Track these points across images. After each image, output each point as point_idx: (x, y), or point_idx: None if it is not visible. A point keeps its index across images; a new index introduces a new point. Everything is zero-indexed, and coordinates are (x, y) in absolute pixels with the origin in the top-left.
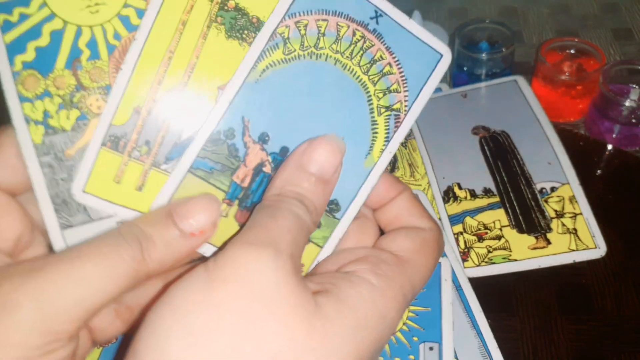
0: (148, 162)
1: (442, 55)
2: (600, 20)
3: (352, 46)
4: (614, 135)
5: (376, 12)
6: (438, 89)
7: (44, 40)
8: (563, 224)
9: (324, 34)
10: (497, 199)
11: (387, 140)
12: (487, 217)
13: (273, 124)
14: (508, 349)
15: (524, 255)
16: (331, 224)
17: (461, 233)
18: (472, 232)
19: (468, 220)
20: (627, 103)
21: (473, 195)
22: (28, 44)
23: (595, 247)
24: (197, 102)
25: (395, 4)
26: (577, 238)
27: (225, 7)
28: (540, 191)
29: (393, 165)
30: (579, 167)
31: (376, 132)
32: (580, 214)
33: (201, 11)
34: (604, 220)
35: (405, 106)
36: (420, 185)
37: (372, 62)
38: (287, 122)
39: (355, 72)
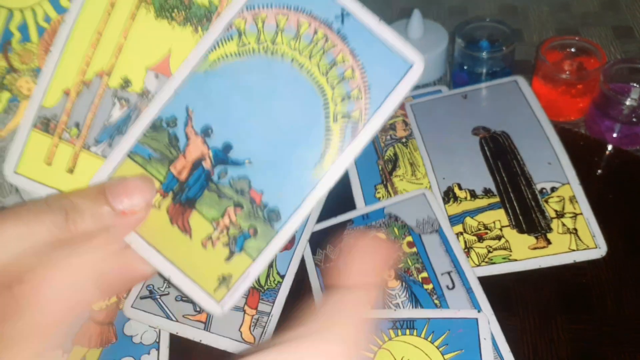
0: (78, 144)
1: (412, 65)
2: (600, 19)
3: (312, 45)
4: (614, 135)
5: (342, 11)
6: (438, 91)
7: None
8: (563, 224)
9: (282, 30)
10: (497, 199)
11: (341, 150)
12: (487, 217)
13: (218, 119)
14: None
15: (524, 255)
16: (268, 235)
17: (461, 233)
18: (472, 232)
19: (468, 220)
20: (628, 102)
21: (473, 195)
22: None
23: (596, 247)
24: (125, 84)
25: (395, 3)
26: (577, 238)
27: None
28: (541, 191)
29: (394, 164)
30: (579, 166)
31: (329, 140)
32: (581, 214)
33: None
34: (604, 220)
35: (365, 115)
36: (421, 184)
37: (332, 64)
38: (233, 118)
39: (313, 73)
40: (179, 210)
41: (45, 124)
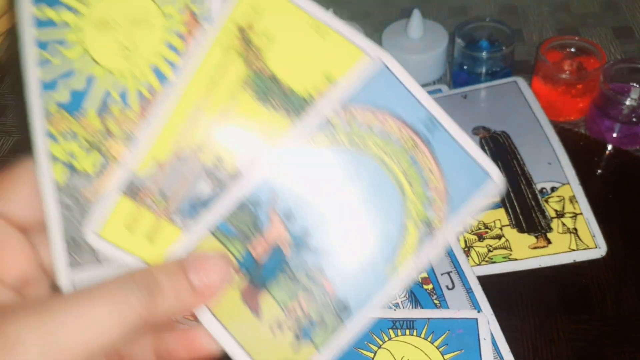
0: (162, 214)
1: (491, 177)
2: (600, 19)
3: (399, 149)
4: (614, 134)
5: (432, 120)
6: (438, 90)
7: (79, 83)
8: (563, 224)
9: (372, 129)
10: (497, 198)
11: (416, 251)
12: (487, 216)
13: (301, 205)
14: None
15: (525, 254)
16: (335, 327)
17: (461, 232)
18: (472, 231)
19: None
20: (628, 102)
21: None
22: (63, 84)
23: (596, 247)
24: (218, 162)
25: (395, 3)
26: (577, 238)
27: (260, 73)
28: (541, 191)
29: None
30: (579, 166)
31: (405, 240)
32: (581, 213)
33: (235, 74)
34: (604, 220)
35: (443, 221)
36: None
37: (415, 166)
38: (316, 207)
39: (396, 172)
40: (252, 290)
41: (133, 191)
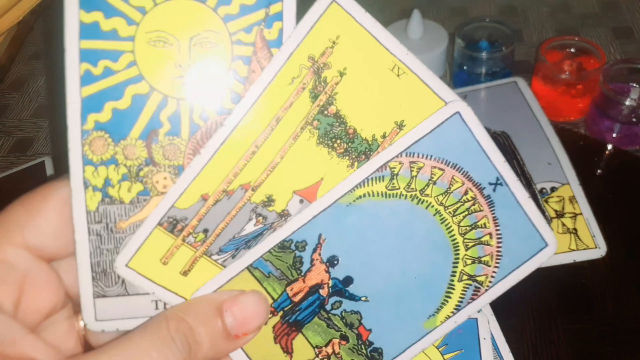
0: (201, 249)
1: (547, 245)
2: (600, 19)
3: (459, 204)
4: (614, 135)
5: (497, 179)
6: None
7: (124, 103)
8: (563, 224)
9: (434, 183)
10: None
11: (458, 309)
12: None
13: (347, 252)
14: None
15: None
16: None
17: None
18: None
19: None
20: (628, 102)
21: None
22: (106, 103)
23: (596, 247)
24: (268, 202)
25: (395, 3)
26: (577, 238)
27: (325, 112)
28: (541, 191)
29: None
30: (579, 166)
31: (449, 297)
32: (581, 214)
33: (300, 110)
34: (604, 220)
35: (490, 282)
36: None
37: (473, 226)
38: (362, 254)
39: (452, 229)
40: (286, 330)
41: (173, 224)
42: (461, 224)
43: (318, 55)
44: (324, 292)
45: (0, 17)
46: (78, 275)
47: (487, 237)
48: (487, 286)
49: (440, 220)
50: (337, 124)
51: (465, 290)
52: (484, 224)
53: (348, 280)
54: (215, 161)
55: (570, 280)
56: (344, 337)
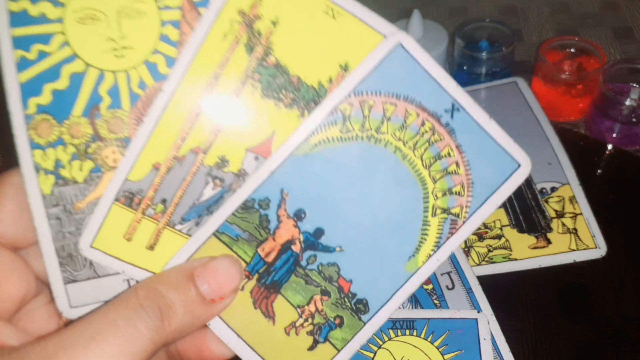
0: (163, 221)
1: (519, 165)
2: (600, 19)
3: (418, 137)
4: (614, 135)
5: (453, 105)
6: None
7: (62, 83)
8: (563, 224)
9: (389, 119)
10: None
11: (437, 246)
12: None
13: (313, 203)
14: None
15: (525, 254)
16: (354, 326)
17: None
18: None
19: None
20: (628, 102)
21: None
22: (44, 86)
23: (596, 247)
24: (222, 163)
25: (395, 4)
26: (577, 238)
27: (264, 63)
28: (541, 191)
29: None
30: (579, 166)
31: (426, 235)
32: (581, 214)
33: (237, 65)
34: (604, 220)
35: (466, 212)
36: None
37: (437, 157)
38: (329, 203)
39: (416, 164)
40: (264, 293)
41: (129, 198)
42: (424, 157)
43: (247, 8)
44: (296, 247)
45: None
46: (45, 263)
47: (453, 167)
48: (464, 217)
49: (402, 156)
50: (279, 74)
51: (442, 225)
52: (448, 153)
53: (319, 232)
54: (161, 128)
55: (570, 280)
56: (325, 292)
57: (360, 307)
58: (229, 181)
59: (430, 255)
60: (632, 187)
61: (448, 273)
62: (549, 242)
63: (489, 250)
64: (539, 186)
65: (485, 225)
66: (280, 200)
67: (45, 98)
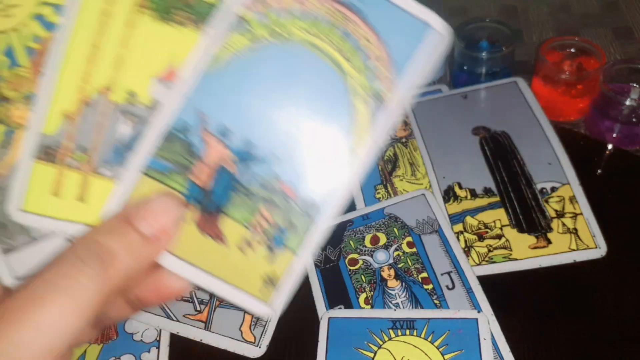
0: (87, 169)
1: (431, 27)
2: (600, 19)
3: (328, 25)
4: (614, 135)
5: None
6: (438, 90)
7: None
8: (563, 224)
9: (293, 14)
10: (497, 198)
11: (371, 126)
12: (487, 216)
13: (235, 117)
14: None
15: (525, 254)
16: (307, 226)
17: (462, 232)
18: (472, 231)
19: (468, 219)
20: (628, 102)
21: (473, 194)
22: None
23: (596, 247)
24: (131, 97)
25: None
26: (577, 238)
27: None
28: (541, 191)
29: (394, 165)
30: (579, 166)
31: (357, 119)
32: (581, 213)
33: (123, 5)
34: (604, 220)
35: (391, 88)
36: (421, 184)
37: (351, 41)
38: (251, 114)
39: (331, 54)
40: (208, 218)
41: (48, 153)
42: (338, 45)
43: None
44: (229, 166)
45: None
46: None
47: (369, 46)
48: (390, 94)
49: (315, 49)
50: None
51: (370, 107)
52: (361, 34)
53: (249, 145)
54: (62, 76)
55: (570, 280)
56: (270, 202)
57: (308, 206)
58: (144, 115)
59: (366, 139)
60: (632, 187)
61: (448, 273)
62: (549, 242)
63: (489, 250)
64: (539, 186)
65: (485, 225)
66: (200, 122)
67: None
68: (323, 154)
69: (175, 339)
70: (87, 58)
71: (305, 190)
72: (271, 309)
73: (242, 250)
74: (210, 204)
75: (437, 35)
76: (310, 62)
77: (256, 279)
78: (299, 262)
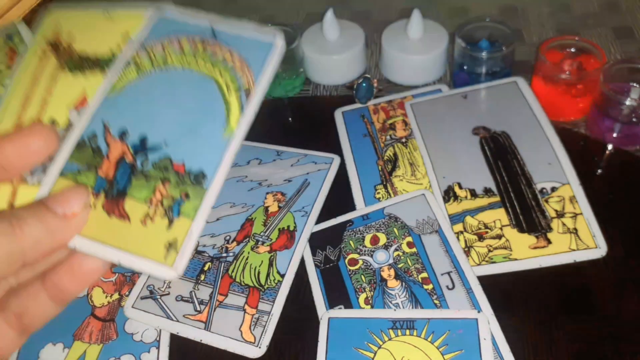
0: (15, 180)
1: (271, 42)
2: (600, 19)
3: (196, 51)
4: (614, 134)
5: (212, 30)
6: (438, 90)
7: None
8: (563, 224)
9: (169, 51)
10: (497, 198)
11: (242, 110)
12: (487, 216)
13: (131, 122)
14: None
15: (525, 254)
16: (200, 194)
17: (462, 232)
18: (472, 231)
19: (468, 219)
20: (628, 102)
21: (473, 194)
22: None
23: (596, 247)
24: (52, 124)
25: (395, 3)
26: (577, 238)
27: (71, 58)
28: (541, 191)
29: (394, 165)
30: (579, 166)
31: (229, 107)
32: (581, 213)
33: (52, 66)
34: (604, 220)
35: (253, 82)
36: (421, 184)
37: (213, 55)
38: (144, 117)
39: (200, 67)
40: (113, 202)
41: None
42: (205, 60)
43: (53, 38)
44: (128, 158)
45: (1, 17)
46: None
47: (228, 56)
48: (253, 86)
49: (189, 66)
50: (82, 59)
51: (240, 97)
52: (219, 50)
53: (143, 139)
54: (3, 114)
55: (570, 280)
56: (165, 180)
57: (198, 178)
58: (62, 134)
59: (239, 119)
60: (632, 187)
61: (448, 273)
62: (549, 242)
63: (489, 250)
64: (539, 186)
65: (485, 225)
66: (104, 129)
67: None
68: (207, 137)
69: (175, 339)
70: (22, 104)
71: (194, 165)
72: (175, 271)
73: (144, 224)
74: (114, 190)
75: (274, 47)
76: (186, 76)
77: (159, 246)
78: (196, 225)
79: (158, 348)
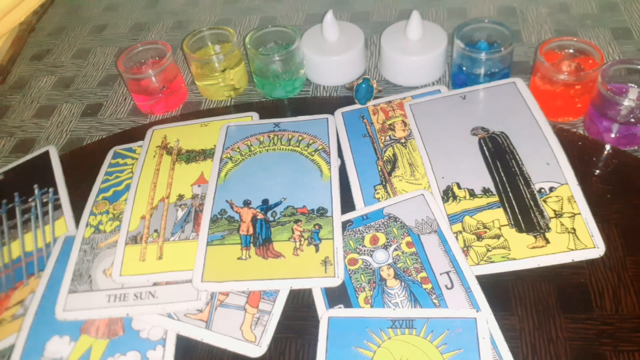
0: (160, 240)
1: (327, 119)
2: (599, 20)
3: (272, 141)
4: (612, 135)
5: (275, 124)
6: (437, 91)
7: (121, 188)
8: (562, 224)
9: (250, 146)
10: (496, 198)
11: (328, 163)
12: (486, 216)
13: (250, 193)
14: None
15: (523, 254)
16: (328, 222)
17: (460, 232)
18: (471, 231)
19: (467, 219)
20: (626, 102)
21: (472, 194)
22: (113, 189)
23: (594, 247)
24: (180, 197)
25: (395, 4)
26: (575, 238)
27: (180, 154)
28: (539, 191)
29: (393, 165)
30: (578, 166)
31: (318, 164)
32: (579, 213)
33: (168, 161)
34: (602, 220)
35: (327, 145)
36: (420, 184)
37: (290, 140)
38: (258, 187)
39: (280, 149)
40: (263, 249)
41: (134, 239)
42: (283, 144)
43: (161, 143)
44: (260, 216)
45: (2, 19)
46: (65, 276)
47: (301, 138)
48: (327, 147)
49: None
50: (189, 154)
51: (321, 155)
52: (296, 136)
53: (265, 201)
54: (137, 198)
55: (569, 279)
56: (297, 221)
57: (322, 211)
58: (189, 203)
59: (329, 168)
60: (630, 187)
61: (447, 273)
62: (547, 241)
63: (488, 250)
64: (537, 186)
65: (484, 225)
66: (230, 205)
67: (109, 193)
68: (313, 186)
69: (181, 338)
70: (150, 188)
71: (314, 205)
72: (338, 279)
73: (297, 255)
74: (259, 240)
75: (331, 122)
76: (273, 155)
77: (317, 265)
78: (337, 242)
79: (164, 346)
